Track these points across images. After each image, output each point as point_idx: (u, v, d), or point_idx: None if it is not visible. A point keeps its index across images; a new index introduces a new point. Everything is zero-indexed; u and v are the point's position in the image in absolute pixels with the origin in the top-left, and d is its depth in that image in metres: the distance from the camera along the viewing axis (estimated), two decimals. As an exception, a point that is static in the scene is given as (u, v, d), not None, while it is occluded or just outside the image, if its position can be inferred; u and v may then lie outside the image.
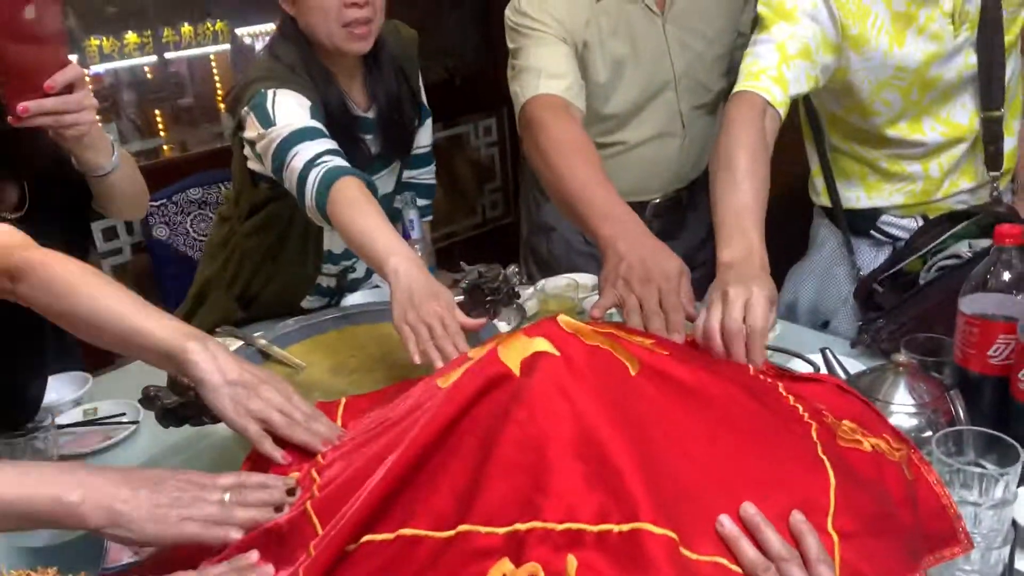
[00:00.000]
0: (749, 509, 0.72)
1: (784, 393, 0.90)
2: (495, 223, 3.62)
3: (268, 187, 1.57)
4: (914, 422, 1.07)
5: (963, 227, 1.32)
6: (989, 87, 1.37)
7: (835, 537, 0.73)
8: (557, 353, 0.77)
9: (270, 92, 1.41)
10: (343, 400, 1.01)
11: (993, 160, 1.40)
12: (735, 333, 0.99)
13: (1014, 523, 0.87)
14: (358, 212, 1.24)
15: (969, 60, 1.37)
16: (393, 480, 0.72)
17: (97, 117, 1.20)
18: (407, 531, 0.71)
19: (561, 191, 1.34)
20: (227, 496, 0.82)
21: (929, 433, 0.99)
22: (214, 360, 0.91)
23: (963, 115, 1.42)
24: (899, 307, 1.30)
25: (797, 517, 0.73)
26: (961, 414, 1.04)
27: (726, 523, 0.71)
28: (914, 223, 1.50)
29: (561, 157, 1.35)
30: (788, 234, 1.75)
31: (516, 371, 0.76)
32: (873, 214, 1.52)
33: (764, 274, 1.07)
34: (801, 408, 0.86)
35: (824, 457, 0.79)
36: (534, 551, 0.67)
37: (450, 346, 1.06)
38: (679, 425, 0.77)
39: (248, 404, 0.90)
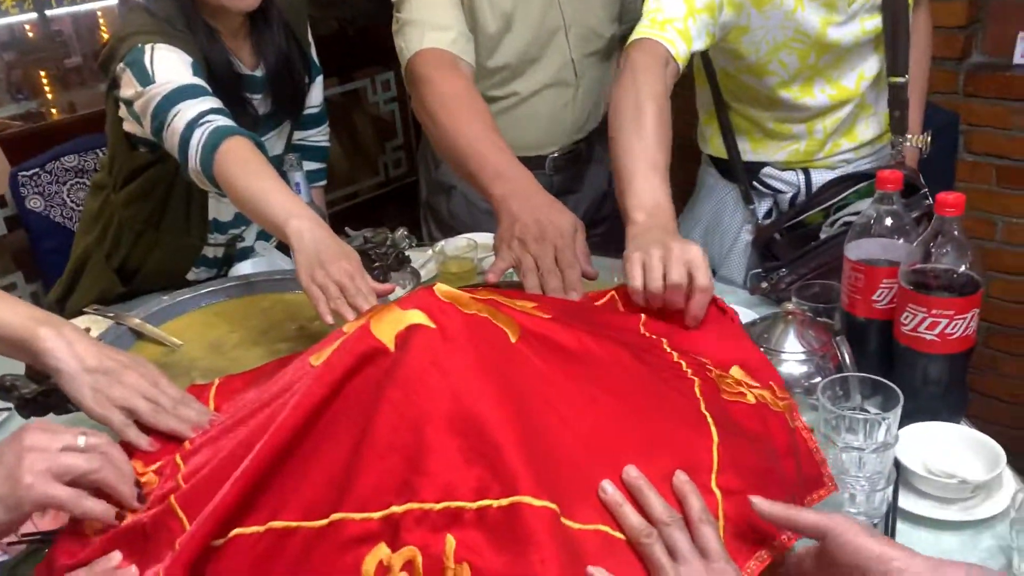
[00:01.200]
0: (631, 472, 0.71)
1: (668, 349, 0.89)
2: (399, 182, 3.50)
3: (147, 150, 1.48)
4: (804, 369, 1.09)
5: (867, 185, 1.34)
6: (895, 53, 1.38)
7: (718, 495, 0.73)
8: (432, 325, 0.74)
9: (148, 47, 1.32)
10: (216, 381, 0.95)
11: (899, 124, 1.41)
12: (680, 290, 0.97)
13: (896, 463, 0.89)
14: (250, 173, 1.17)
15: (865, 26, 1.37)
16: (261, 467, 0.68)
17: None
18: (278, 523, 0.67)
19: (451, 150, 1.30)
20: (81, 440, 0.77)
21: (819, 379, 1.00)
22: (70, 347, 0.85)
23: (851, 79, 1.43)
24: (800, 258, 1.31)
25: (680, 477, 0.72)
26: (847, 359, 1.05)
27: (608, 489, 0.70)
28: (795, 176, 1.51)
29: (449, 114, 1.31)
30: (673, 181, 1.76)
31: (390, 346, 0.73)
32: (755, 167, 1.53)
33: (677, 235, 1.07)
34: (684, 364, 0.86)
35: (707, 413, 0.79)
36: (411, 534, 0.65)
37: (364, 303, 1.01)
38: (560, 391, 0.75)
39: (109, 392, 0.85)
